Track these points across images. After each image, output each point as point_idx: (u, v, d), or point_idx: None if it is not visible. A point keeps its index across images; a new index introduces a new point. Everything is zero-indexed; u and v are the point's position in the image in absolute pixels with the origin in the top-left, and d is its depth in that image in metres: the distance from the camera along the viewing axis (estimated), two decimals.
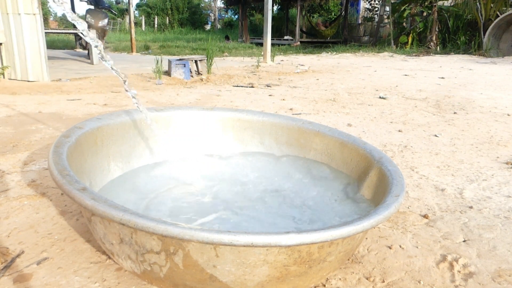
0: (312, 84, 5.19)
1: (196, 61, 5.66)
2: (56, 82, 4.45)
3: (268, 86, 4.97)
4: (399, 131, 2.83)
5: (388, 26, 14.21)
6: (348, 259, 1.20)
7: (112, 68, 1.41)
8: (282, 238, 0.81)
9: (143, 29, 24.23)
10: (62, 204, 1.50)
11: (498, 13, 11.09)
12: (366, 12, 18.10)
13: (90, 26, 7.35)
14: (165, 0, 25.99)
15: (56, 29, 13.08)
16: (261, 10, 20.20)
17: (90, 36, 1.39)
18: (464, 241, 1.34)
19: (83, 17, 8.06)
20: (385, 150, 2.35)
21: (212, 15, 29.92)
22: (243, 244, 0.80)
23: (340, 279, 1.11)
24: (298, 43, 15.54)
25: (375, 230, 1.39)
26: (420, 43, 12.57)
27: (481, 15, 11.28)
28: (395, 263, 1.20)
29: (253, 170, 1.75)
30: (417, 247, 1.29)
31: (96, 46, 1.38)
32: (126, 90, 1.44)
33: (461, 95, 4.38)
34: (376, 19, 16.11)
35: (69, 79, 4.76)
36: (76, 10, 10.31)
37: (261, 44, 11.45)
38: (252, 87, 4.86)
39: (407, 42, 12.71)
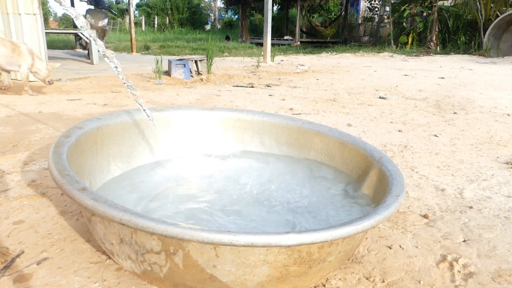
0: (312, 84, 5.19)
1: (196, 61, 5.66)
2: (56, 82, 4.45)
3: (268, 86, 4.97)
4: (399, 131, 2.83)
5: (388, 26, 14.21)
6: (348, 259, 1.20)
7: (126, 85, 1.41)
8: (282, 238, 0.81)
9: (143, 29, 24.23)
10: (62, 204, 1.50)
11: (498, 13, 11.09)
12: (366, 12, 18.10)
13: (90, 26, 7.34)
14: (165, 0, 25.99)
15: (56, 29, 13.08)
16: (261, 10, 20.19)
17: (108, 55, 1.39)
18: (464, 241, 1.34)
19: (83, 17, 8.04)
20: (385, 150, 2.35)
21: (212, 15, 29.92)
22: (243, 244, 0.80)
23: (340, 279, 1.11)
24: (298, 43, 15.55)
25: (375, 230, 1.39)
26: (420, 43, 12.57)
27: (481, 15, 11.28)
28: (395, 263, 1.20)
29: (253, 170, 1.75)
30: (417, 247, 1.29)
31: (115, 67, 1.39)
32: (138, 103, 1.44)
33: (461, 95, 4.38)
34: (376, 19, 16.11)
35: (69, 79, 4.76)
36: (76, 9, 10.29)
37: (261, 44, 11.46)
38: (252, 87, 4.86)
39: (407, 42, 12.72)
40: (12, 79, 4.44)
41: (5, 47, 3.43)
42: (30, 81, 4.33)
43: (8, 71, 3.67)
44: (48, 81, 3.73)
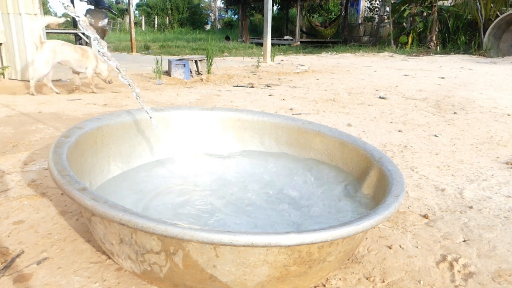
0: (312, 84, 5.20)
1: (196, 61, 5.66)
2: (56, 82, 4.45)
3: (268, 86, 4.97)
4: (399, 131, 2.83)
5: (388, 26, 14.22)
6: (348, 259, 1.20)
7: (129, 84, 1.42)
8: (282, 238, 0.81)
9: (143, 29, 24.23)
10: (62, 204, 1.50)
11: (498, 13, 11.10)
12: (366, 12, 18.10)
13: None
14: (165, 0, 25.99)
15: (56, 29, 13.06)
16: (261, 10, 20.19)
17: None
18: (464, 241, 1.34)
19: None
20: (385, 150, 2.35)
21: (212, 15, 29.93)
22: (243, 244, 0.80)
23: (340, 279, 1.11)
24: (298, 43, 15.55)
25: (375, 230, 1.39)
26: (420, 43, 12.58)
27: (481, 15, 11.28)
28: (395, 263, 1.20)
29: (253, 170, 1.75)
30: (417, 247, 1.29)
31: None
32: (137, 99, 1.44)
33: (461, 95, 4.38)
34: (376, 19, 16.11)
35: (69, 79, 4.75)
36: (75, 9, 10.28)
37: (261, 44, 11.46)
38: (252, 87, 4.86)
39: (407, 42, 12.72)
40: (10, 79, 4.44)
41: (76, 52, 3.87)
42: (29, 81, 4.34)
43: (78, 73, 4.13)
44: (108, 81, 4.18)
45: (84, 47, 4.02)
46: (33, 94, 3.78)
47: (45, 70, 3.69)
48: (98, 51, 1.48)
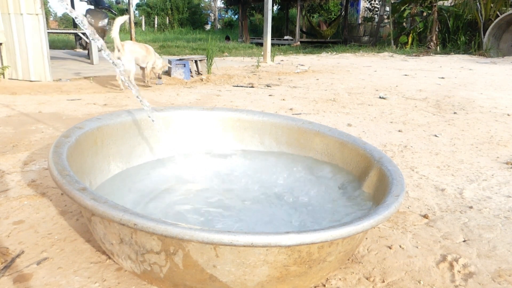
0: (312, 84, 5.19)
1: (196, 61, 5.66)
2: (56, 82, 4.45)
3: (268, 86, 4.97)
4: (399, 131, 2.83)
5: (388, 26, 14.21)
6: (348, 259, 1.20)
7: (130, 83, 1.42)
8: (282, 238, 0.81)
9: (143, 29, 24.21)
10: (62, 204, 1.50)
11: (498, 13, 11.09)
12: (366, 12, 18.09)
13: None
14: (165, 0, 25.98)
15: (56, 29, 13.05)
16: (261, 10, 20.19)
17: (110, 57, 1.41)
18: (464, 241, 1.34)
19: None
20: (385, 150, 2.35)
21: (212, 15, 29.90)
22: (243, 244, 0.80)
23: (340, 279, 1.11)
24: (298, 43, 15.54)
25: (375, 230, 1.39)
26: (420, 43, 12.57)
27: (481, 15, 11.27)
28: (395, 263, 1.20)
29: (253, 170, 1.75)
30: (417, 247, 1.29)
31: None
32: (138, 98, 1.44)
33: (461, 95, 4.38)
34: (376, 19, 16.10)
35: (69, 79, 4.76)
36: (76, 10, 10.27)
37: (261, 44, 11.45)
38: (252, 87, 4.85)
39: (407, 42, 12.71)
40: (10, 79, 4.44)
41: (142, 49, 4.35)
42: (32, 81, 4.33)
43: (143, 69, 4.54)
44: (159, 74, 4.73)
45: (146, 44, 4.47)
46: (122, 90, 4.25)
47: (133, 68, 4.13)
48: (99, 50, 1.49)
